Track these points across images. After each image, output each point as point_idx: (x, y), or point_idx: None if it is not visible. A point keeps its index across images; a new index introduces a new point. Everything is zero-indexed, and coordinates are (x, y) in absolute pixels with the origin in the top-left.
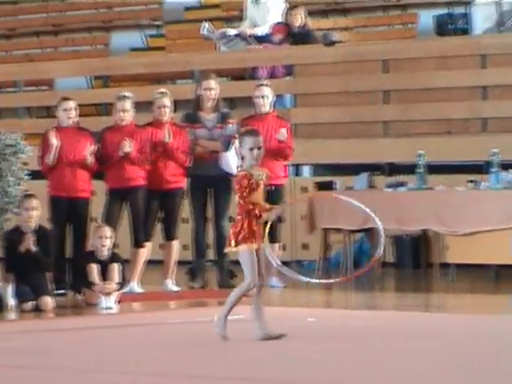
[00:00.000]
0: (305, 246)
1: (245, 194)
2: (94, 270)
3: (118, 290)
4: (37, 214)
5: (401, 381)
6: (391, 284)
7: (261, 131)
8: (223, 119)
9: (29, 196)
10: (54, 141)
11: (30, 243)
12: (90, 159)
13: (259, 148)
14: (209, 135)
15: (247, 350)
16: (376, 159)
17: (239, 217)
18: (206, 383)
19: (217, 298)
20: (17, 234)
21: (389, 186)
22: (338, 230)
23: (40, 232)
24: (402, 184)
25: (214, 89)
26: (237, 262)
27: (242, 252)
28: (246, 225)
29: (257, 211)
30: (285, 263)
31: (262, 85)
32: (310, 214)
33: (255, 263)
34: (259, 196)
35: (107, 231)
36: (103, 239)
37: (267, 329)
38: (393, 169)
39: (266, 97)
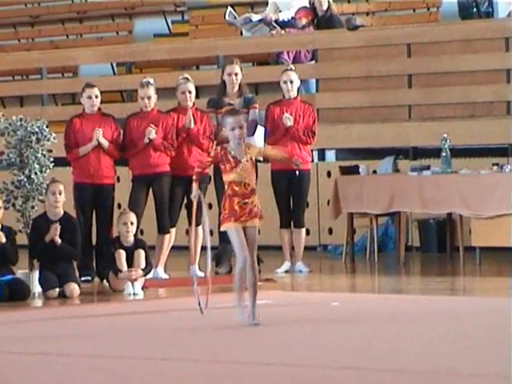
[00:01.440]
0: (330, 231)
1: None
2: (122, 256)
3: (144, 276)
4: (63, 198)
5: (423, 363)
6: (416, 268)
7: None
8: (247, 104)
9: (55, 181)
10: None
11: (55, 234)
12: (106, 143)
13: (241, 127)
14: None
15: (269, 335)
16: (400, 143)
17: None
18: (230, 368)
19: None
20: (43, 221)
21: (413, 169)
22: (364, 215)
23: (66, 220)
24: (426, 168)
25: (237, 74)
26: (264, 247)
27: (227, 231)
28: (227, 204)
29: (230, 191)
30: (310, 248)
31: (289, 70)
32: (335, 198)
33: (241, 241)
34: (241, 174)
35: (131, 217)
36: (128, 225)
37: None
38: (417, 153)
39: (292, 82)
